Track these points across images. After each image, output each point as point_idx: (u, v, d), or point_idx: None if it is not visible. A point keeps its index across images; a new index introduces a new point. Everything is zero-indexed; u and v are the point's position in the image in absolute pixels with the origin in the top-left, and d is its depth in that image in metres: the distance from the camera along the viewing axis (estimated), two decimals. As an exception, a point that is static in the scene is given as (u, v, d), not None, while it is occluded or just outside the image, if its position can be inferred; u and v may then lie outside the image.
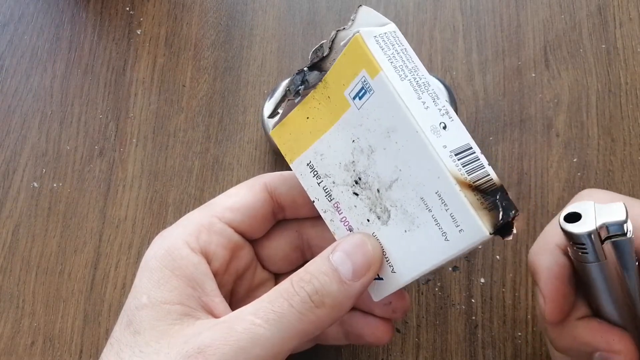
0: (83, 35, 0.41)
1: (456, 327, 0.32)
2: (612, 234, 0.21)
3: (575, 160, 0.34)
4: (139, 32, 0.41)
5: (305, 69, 0.24)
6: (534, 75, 0.36)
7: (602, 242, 0.21)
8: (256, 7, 0.40)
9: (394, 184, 0.23)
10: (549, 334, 0.25)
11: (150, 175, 0.37)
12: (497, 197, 0.21)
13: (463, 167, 0.22)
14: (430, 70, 0.37)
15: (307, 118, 0.24)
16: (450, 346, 0.32)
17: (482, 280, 0.33)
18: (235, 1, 0.41)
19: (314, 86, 0.24)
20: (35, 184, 0.38)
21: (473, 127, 0.36)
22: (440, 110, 0.22)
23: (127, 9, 0.41)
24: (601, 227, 0.21)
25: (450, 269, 0.33)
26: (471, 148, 0.22)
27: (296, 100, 0.24)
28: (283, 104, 0.25)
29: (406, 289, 0.32)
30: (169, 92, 0.39)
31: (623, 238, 0.20)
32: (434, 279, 0.33)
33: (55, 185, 0.38)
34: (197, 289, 0.24)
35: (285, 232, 0.29)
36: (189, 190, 0.37)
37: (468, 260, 0.33)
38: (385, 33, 0.22)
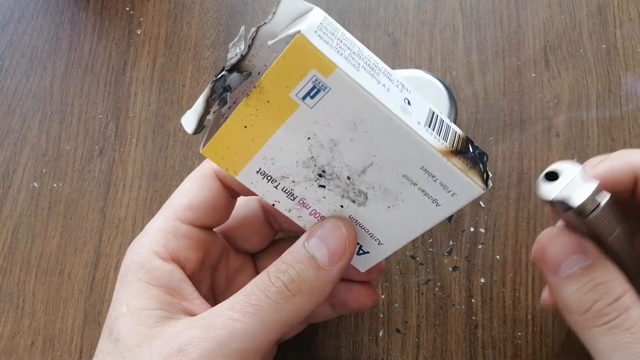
0: (83, 35, 0.41)
1: (456, 327, 0.32)
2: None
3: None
4: (139, 32, 0.41)
5: (225, 72, 0.22)
6: (534, 75, 0.36)
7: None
8: (256, 7, 0.40)
9: (367, 169, 0.23)
10: None
11: (150, 175, 0.37)
12: (471, 150, 0.22)
13: (439, 135, 0.22)
14: (431, 70, 0.37)
15: (245, 127, 0.22)
16: (450, 346, 0.32)
17: (482, 280, 0.33)
18: (235, 1, 0.41)
19: (236, 89, 0.22)
20: (35, 184, 0.38)
21: (473, 127, 0.36)
22: (398, 87, 0.22)
23: (127, 9, 0.41)
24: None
25: (450, 268, 0.33)
26: (434, 112, 0.22)
27: (223, 109, 0.23)
28: (209, 117, 0.23)
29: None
30: (169, 92, 0.39)
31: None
32: (434, 278, 0.33)
33: (55, 185, 0.38)
34: (175, 296, 0.24)
35: (250, 207, 0.29)
36: (189, 190, 0.37)
37: (468, 261, 0.33)
38: (322, 23, 0.21)
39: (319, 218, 0.24)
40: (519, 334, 0.32)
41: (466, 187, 0.22)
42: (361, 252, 0.25)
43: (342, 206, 0.24)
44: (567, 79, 0.36)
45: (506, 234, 0.34)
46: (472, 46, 0.37)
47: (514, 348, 0.32)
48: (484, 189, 0.22)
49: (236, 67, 0.22)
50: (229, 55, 0.22)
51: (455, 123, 0.34)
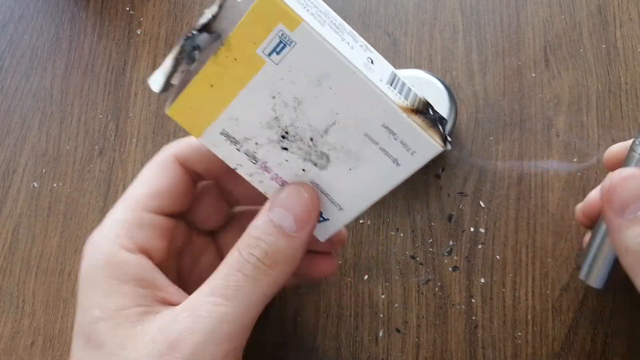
0: (83, 35, 0.41)
1: (456, 327, 0.32)
2: None
3: (575, 160, 0.34)
4: (139, 32, 0.41)
5: (194, 32, 0.22)
6: (534, 75, 0.36)
7: None
8: (256, 7, 0.40)
9: (330, 128, 0.23)
10: None
11: (150, 175, 0.37)
12: (430, 112, 0.23)
13: (400, 94, 0.22)
14: (431, 70, 0.37)
15: (211, 86, 0.23)
16: (450, 346, 0.32)
17: (482, 280, 0.33)
18: (235, 1, 0.41)
19: (205, 50, 0.23)
20: (35, 184, 0.38)
21: (473, 127, 0.36)
22: (362, 47, 0.23)
23: (127, 9, 0.41)
24: None
25: (450, 268, 0.33)
26: (396, 75, 0.23)
27: (191, 67, 0.23)
28: (176, 75, 0.23)
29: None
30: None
31: None
32: (434, 278, 0.33)
33: (55, 185, 0.38)
34: (148, 288, 0.24)
35: (204, 187, 0.28)
36: (189, 190, 0.37)
37: (468, 261, 0.33)
38: None
39: (280, 183, 0.24)
40: (519, 334, 0.32)
41: (425, 144, 0.22)
42: (321, 219, 0.25)
43: (304, 170, 0.24)
44: (567, 79, 0.36)
45: (506, 234, 0.34)
46: (472, 46, 0.37)
47: (514, 348, 0.32)
48: (442, 146, 0.22)
49: (206, 28, 0.22)
50: (202, 18, 0.22)
51: (455, 123, 0.34)
